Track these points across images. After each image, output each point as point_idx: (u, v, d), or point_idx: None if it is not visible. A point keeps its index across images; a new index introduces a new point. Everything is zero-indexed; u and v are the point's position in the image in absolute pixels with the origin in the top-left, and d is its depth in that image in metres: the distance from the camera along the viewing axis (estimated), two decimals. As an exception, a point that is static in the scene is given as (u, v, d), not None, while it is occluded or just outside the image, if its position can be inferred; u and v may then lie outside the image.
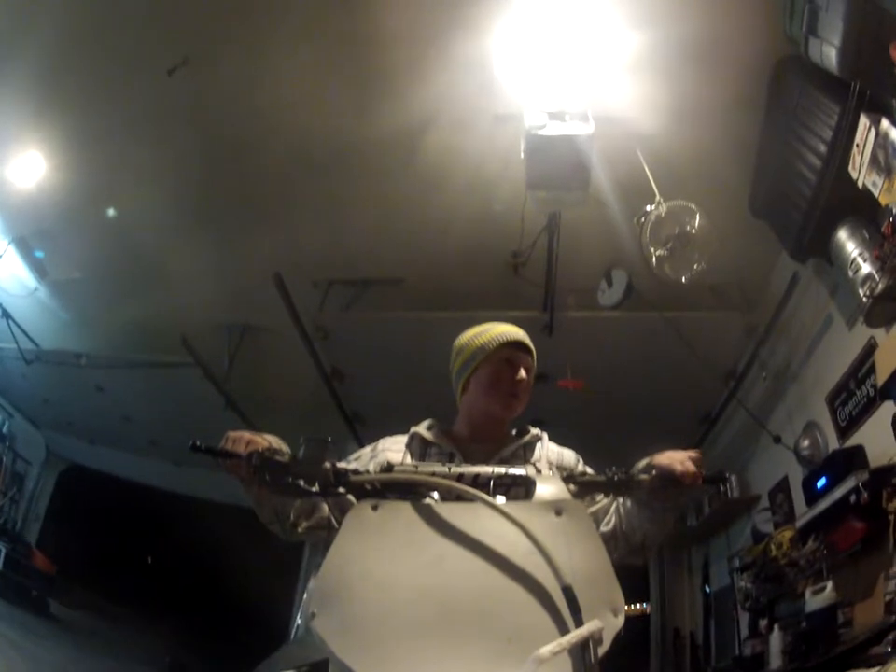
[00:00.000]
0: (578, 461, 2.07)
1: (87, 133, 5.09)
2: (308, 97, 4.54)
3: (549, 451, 2.06)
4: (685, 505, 1.94)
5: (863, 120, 3.24)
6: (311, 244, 5.72)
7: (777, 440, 5.30)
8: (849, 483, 3.79)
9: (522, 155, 4.13)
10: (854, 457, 4.03)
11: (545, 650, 1.17)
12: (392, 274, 6.00)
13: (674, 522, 1.84)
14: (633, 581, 9.32)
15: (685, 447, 5.81)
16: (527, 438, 2.08)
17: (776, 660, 4.53)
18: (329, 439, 1.63)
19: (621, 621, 1.31)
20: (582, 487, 1.70)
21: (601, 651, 1.23)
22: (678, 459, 1.68)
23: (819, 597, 4.04)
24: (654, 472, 1.67)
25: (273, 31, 4.22)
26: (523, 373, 2.06)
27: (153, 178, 5.31)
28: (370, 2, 4.01)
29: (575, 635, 1.21)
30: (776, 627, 4.72)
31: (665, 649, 8.24)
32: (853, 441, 4.26)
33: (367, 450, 2.08)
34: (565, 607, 1.28)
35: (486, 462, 1.75)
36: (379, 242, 5.65)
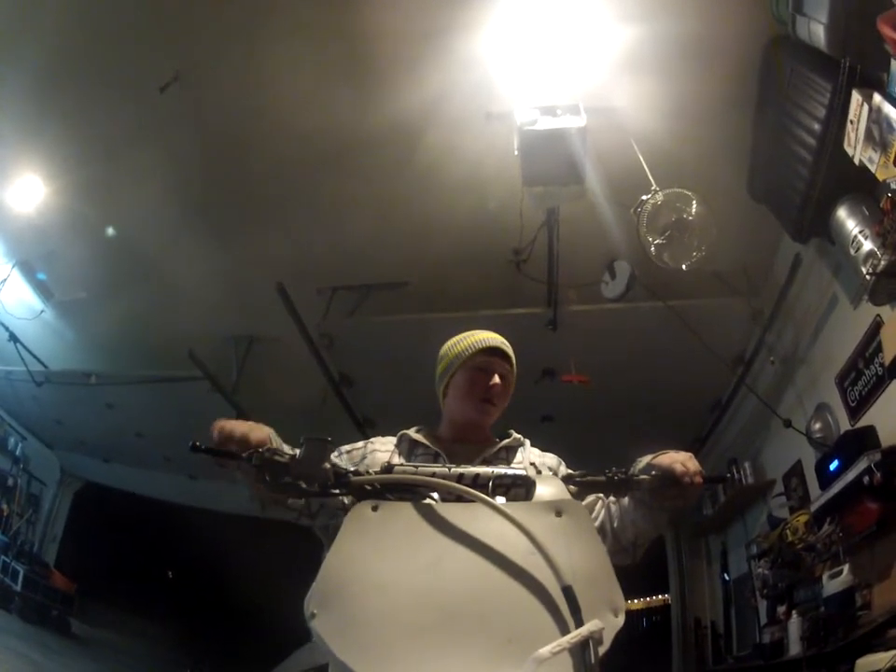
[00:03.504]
0: (560, 465, 2.06)
1: (84, 153, 5.11)
2: (301, 96, 4.54)
3: (531, 454, 2.07)
4: (684, 506, 1.93)
5: (856, 96, 3.21)
6: (312, 251, 5.74)
7: (788, 424, 5.26)
8: (862, 465, 3.76)
9: (516, 152, 4.12)
10: (865, 438, 4.00)
11: (545, 650, 1.16)
12: (395, 278, 6.00)
13: (666, 522, 1.83)
14: (653, 573, 9.31)
15: (697, 436, 5.81)
16: (509, 441, 2.10)
17: (795, 646, 4.50)
18: (330, 439, 1.61)
19: (621, 620, 1.30)
20: (583, 487, 1.69)
21: (601, 650, 1.22)
22: (678, 460, 1.66)
23: (836, 581, 4.00)
24: (654, 473, 1.66)
25: (266, 31, 4.22)
26: (496, 379, 2.09)
27: (152, 192, 5.33)
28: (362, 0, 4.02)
29: (575, 635, 1.20)
30: (794, 613, 4.69)
31: (686, 639, 8.19)
32: (864, 421, 4.23)
33: (360, 445, 2.11)
34: (565, 607, 1.27)
35: (470, 463, 1.75)
36: (380, 246, 5.65)
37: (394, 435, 2.15)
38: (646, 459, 1.74)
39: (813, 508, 4.56)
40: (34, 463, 10.19)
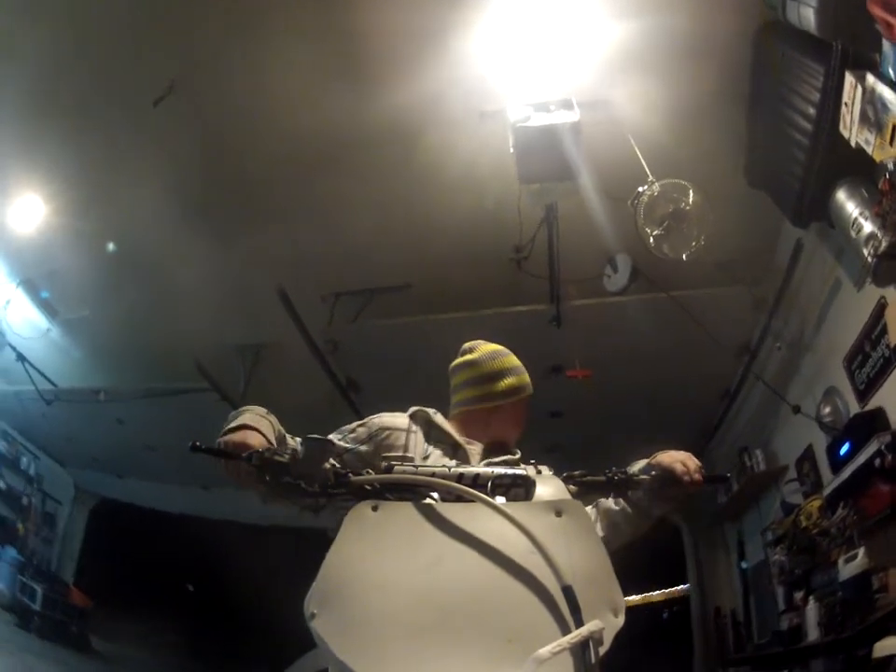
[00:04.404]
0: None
1: (83, 168, 5.14)
2: (297, 95, 4.53)
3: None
4: (684, 507, 1.97)
5: (849, 78, 3.19)
6: (314, 257, 5.74)
7: (797, 409, 5.23)
8: (872, 447, 3.75)
9: (511, 150, 4.11)
10: (875, 420, 3.98)
11: (545, 650, 1.16)
12: (397, 281, 6.00)
13: (649, 526, 1.84)
14: (671, 564, 9.28)
15: (706, 426, 5.78)
16: (508, 457, 2.09)
17: (813, 632, 4.48)
18: (330, 438, 1.62)
19: (621, 620, 1.30)
20: (582, 487, 1.68)
21: (601, 650, 1.22)
22: (678, 459, 1.66)
23: (851, 565, 3.98)
24: (654, 472, 1.65)
25: (262, 31, 4.23)
26: None
27: (151, 203, 5.32)
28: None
29: (575, 635, 1.19)
30: (811, 599, 4.67)
31: (706, 628, 8.15)
32: (873, 403, 4.19)
33: (364, 422, 2.11)
34: (565, 607, 1.26)
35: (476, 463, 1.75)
36: (380, 249, 5.65)
37: (401, 411, 2.17)
38: (645, 459, 1.74)
39: (826, 492, 4.54)
40: (47, 481, 10.18)
